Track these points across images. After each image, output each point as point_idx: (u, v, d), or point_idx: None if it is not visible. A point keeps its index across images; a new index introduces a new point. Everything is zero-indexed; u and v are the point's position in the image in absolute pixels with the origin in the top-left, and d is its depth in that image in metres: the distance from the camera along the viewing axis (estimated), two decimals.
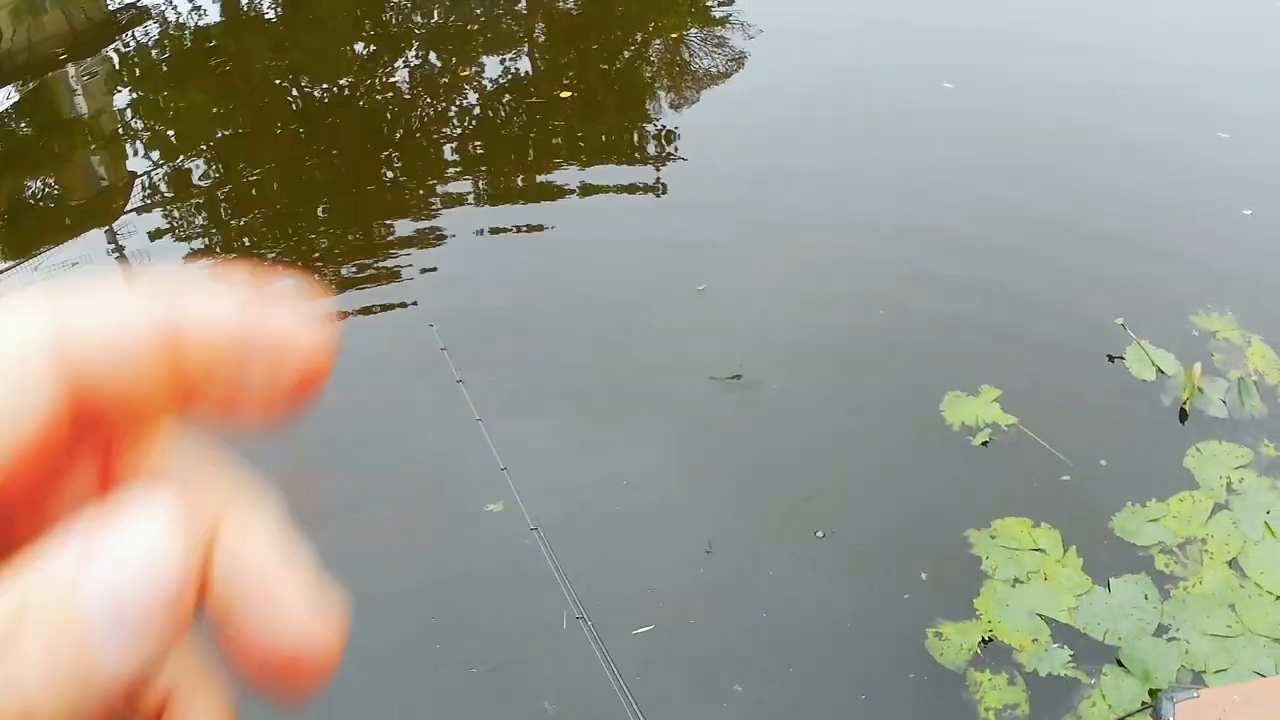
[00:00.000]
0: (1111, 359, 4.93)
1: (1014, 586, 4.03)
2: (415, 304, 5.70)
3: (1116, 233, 5.76)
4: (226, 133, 7.81)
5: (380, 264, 6.02)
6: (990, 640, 3.85)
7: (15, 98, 8.72)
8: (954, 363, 5.01)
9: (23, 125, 8.38)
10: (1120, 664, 3.74)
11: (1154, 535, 4.17)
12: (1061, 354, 5.06)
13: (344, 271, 5.99)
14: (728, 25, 8.41)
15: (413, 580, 4.25)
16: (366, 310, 5.68)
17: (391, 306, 5.71)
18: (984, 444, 4.59)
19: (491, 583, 4.21)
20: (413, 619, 4.09)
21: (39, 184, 7.65)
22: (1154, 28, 8.08)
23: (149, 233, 6.65)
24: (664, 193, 6.50)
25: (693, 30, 8.44)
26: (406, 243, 6.20)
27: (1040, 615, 3.93)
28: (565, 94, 7.64)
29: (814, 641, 3.93)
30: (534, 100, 7.75)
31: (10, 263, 6.57)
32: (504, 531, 4.30)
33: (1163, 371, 4.84)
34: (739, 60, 7.98)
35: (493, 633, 4.01)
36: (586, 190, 6.51)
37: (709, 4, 8.94)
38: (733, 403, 4.89)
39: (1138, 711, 3.55)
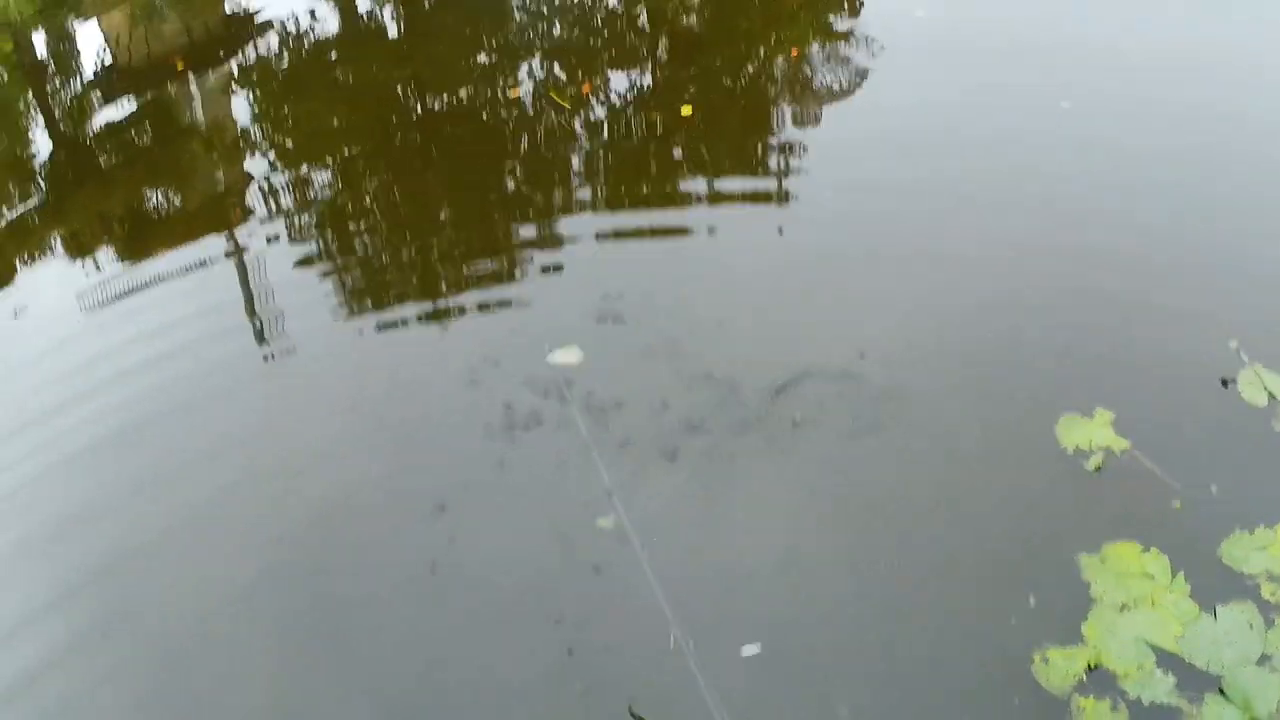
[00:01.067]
0: (1225, 383, 5.01)
1: (1122, 612, 4.17)
2: (528, 313, 6.03)
3: (1232, 254, 5.81)
4: (345, 142, 8.14)
5: (495, 277, 6.36)
6: (1096, 667, 4.00)
7: (134, 106, 9.11)
8: (1068, 384, 5.11)
9: (142, 134, 8.76)
10: (1222, 693, 3.87)
11: (1261, 564, 4.27)
12: (1175, 376, 5.11)
13: (460, 282, 6.36)
14: (850, 41, 8.51)
15: (517, 594, 4.53)
16: (478, 324, 6.02)
17: (504, 316, 6.04)
18: (1096, 468, 4.72)
19: (597, 599, 4.48)
20: (520, 631, 4.38)
21: (158, 191, 8.04)
22: None
23: (267, 238, 7.03)
24: (784, 204, 6.74)
25: (814, 45, 8.56)
26: (525, 251, 6.55)
27: (1146, 642, 4.06)
28: (686, 110, 7.81)
29: (920, 664, 4.10)
30: (656, 115, 7.95)
31: (131, 267, 7.00)
32: (612, 550, 4.59)
33: (1274, 397, 4.90)
34: (861, 75, 8.11)
35: (598, 651, 4.28)
36: (710, 215, 6.74)
37: (830, 19, 9.04)
38: (845, 423, 5.08)
39: None
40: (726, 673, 4.10)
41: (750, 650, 4.18)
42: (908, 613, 4.28)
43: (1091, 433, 4.85)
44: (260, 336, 6.22)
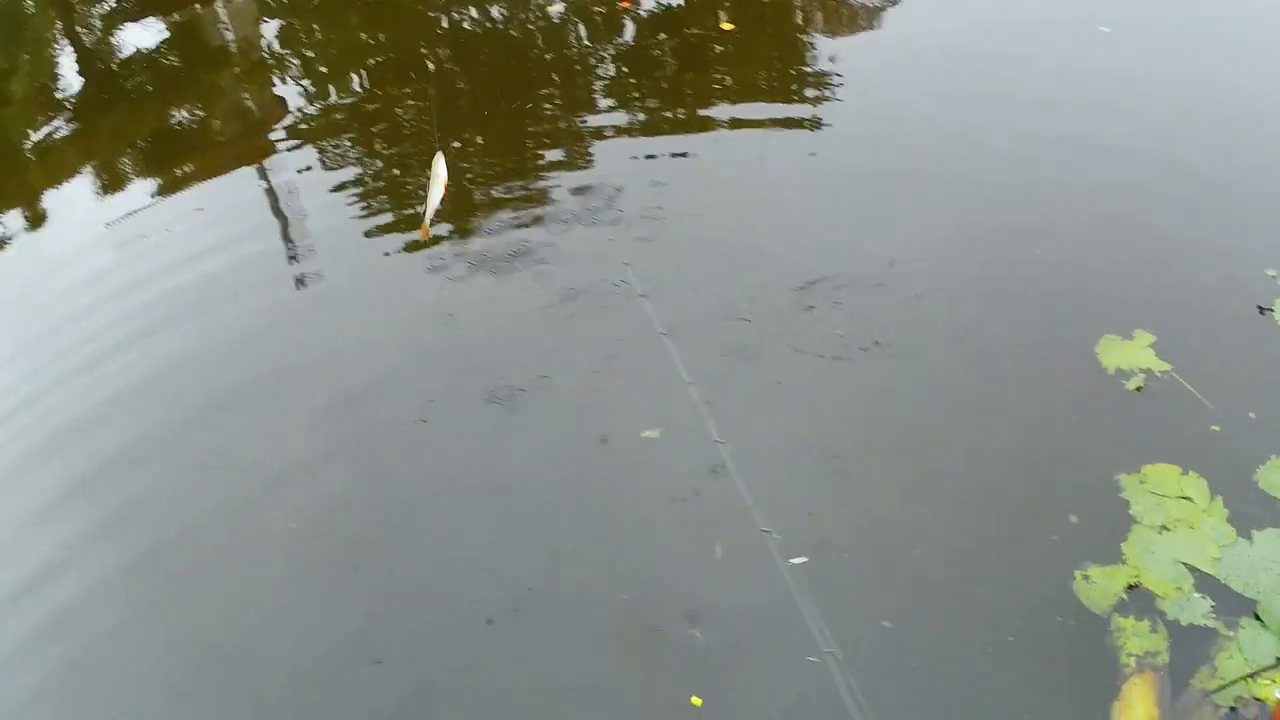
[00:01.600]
0: (1262, 310, 5.02)
1: (1161, 533, 4.23)
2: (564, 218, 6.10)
3: (1270, 185, 5.78)
4: (376, 60, 8.15)
5: (530, 186, 6.40)
6: (1135, 586, 4.07)
7: (163, 28, 9.07)
8: (1107, 306, 5.16)
9: (170, 57, 8.74)
10: (1258, 618, 3.93)
11: None
12: (1213, 303, 5.14)
13: (494, 194, 6.40)
14: None
15: (567, 492, 4.67)
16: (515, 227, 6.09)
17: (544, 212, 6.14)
18: (1137, 389, 4.75)
19: (652, 503, 4.57)
20: (568, 529, 4.52)
21: (186, 110, 8.07)
22: None
23: (294, 152, 7.10)
24: (818, 126, 6.70)
25: None
26: (556, 166, 6.57)
27: (1185, 564, 4.13)
28: (728, 25, 7.75)
29: (963, 580, 4.18)
30: (692, 30, 7.91)
31: (159, 182, 7.08)
32: (670, 451, 4.71)
33: None
34: None
35: (650, 552, 4.39)
36: (739, 122, 6.76)
37: None
38: (891, 340, 5.12)
39: (1271, 667, 3.75)
40: (774, 580, 4.18)
41: (798, 560, 4.23)
42: (952, 528, 4.34)
43: (1132, 354, 4.89)
44: (287, 236, 6.36)
